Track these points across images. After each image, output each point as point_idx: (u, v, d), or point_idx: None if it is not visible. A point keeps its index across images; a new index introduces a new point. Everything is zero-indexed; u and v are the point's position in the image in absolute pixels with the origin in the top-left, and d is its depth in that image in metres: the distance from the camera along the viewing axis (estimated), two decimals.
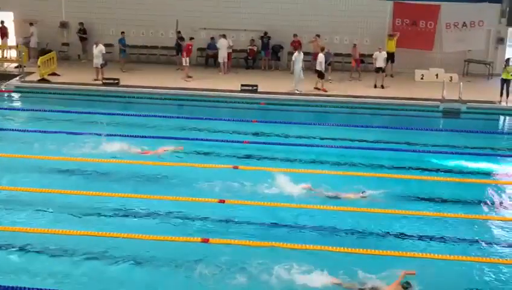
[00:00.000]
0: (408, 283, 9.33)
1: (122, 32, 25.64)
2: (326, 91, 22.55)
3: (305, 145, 16.60)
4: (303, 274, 9.77)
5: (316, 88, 22.80)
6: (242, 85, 22.43)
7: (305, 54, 24.39)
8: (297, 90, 22.42)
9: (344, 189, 13.11)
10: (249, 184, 13.55)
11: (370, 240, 11.22)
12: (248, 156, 15.65)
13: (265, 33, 26.19)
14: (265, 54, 26.52)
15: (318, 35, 25.07)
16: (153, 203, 12.57)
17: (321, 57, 22.63)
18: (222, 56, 25.35)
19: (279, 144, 16.64)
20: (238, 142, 16.61)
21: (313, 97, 22.06)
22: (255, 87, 22.30)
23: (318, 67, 22.69)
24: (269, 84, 23.26)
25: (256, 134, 17.71)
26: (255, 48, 26.58)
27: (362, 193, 12.96)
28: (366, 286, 9.45)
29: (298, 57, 22.49)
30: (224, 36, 25.34)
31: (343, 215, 12.15)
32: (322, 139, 17.14)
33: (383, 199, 12.77)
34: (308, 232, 11.56)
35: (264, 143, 16.66)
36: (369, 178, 14.03)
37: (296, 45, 25.42)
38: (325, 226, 11.72)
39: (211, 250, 10.72)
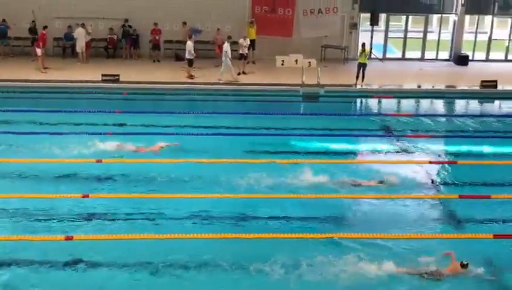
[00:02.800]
0: (466, 263, 9.85)
1: (3, 20, 24.02)
2: (193, 78, 22.56)
3: (172, 134, 16.40)
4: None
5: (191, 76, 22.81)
6: (103, 75, 21.79)
7: (177, 42, 24.84)
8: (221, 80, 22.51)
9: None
10: (114, 177, 13.28)
11: None
12: (113, 148, 15.14)
13: (126, 21, 25.60)
14: (126, 43, 25.94)
15: (184, 23, 24.94)
16: (12, 202, 11.92)
17: (189, 44, 22.60)
18: (80, 45, 24.46)
19: (145, 134, 16.35)
20: (101, 134, 16.10)
21: (178, 85, 21.89)
22: (116, 77, 21.77)
23: (188, 56, 22.71)
24: (131, 73, 22.81)
25: (120, 125, 17.30)
26: (115, 37, 25.90)
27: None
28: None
29: (228, 47, 22.46)
30: (83, 25, 24.50)
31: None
32: (187, 127, 17.07)
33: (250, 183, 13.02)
34: (186, 221, 11.53)
35: (128, 134, 16.25)
36: (237, 164, 14.18)
37: (157, 34, 25.29)
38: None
39: (75, 247, 10.37)
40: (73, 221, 11.38)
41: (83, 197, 12.20)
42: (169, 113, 18.55)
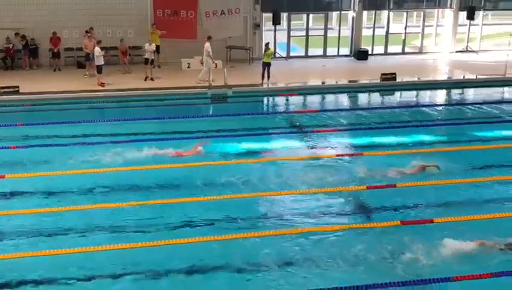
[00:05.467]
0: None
1: None
2: (103, 86, 22.07)
3: (81, 143, 15.93)
4: None
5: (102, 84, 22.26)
6: (1, 87, 20.93)
7: (78, 49, 24.59)
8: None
9: None
10: (20, 192, 12.80)
11: None
12: (17, 163, 14.60)
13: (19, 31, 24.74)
14: (24, 53, 25.02)
15: (91, 28, 24.36)
16: None
17: (98, 50, 22.12)
18: None
19: (51, 145, 15.76)
20: (3, 148, 15.45)
21: (84, 94, 21.31)
22: (16, 89, 20.96)
23: (97, 62, 22.18)
24: (32, 84, 22.05)
25: (23, 138, 16.65)
26: (11, 46, 24.92)
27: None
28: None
29: (209, 47, 22.31)
30: None
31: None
32: (98, 135, 16.70)
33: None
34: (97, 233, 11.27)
35: (33, 146, 15.64)
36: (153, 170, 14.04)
37: (56, 42, 24.60)
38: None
39: None
40: None
41: None
42: (74, 123, 17.97)
